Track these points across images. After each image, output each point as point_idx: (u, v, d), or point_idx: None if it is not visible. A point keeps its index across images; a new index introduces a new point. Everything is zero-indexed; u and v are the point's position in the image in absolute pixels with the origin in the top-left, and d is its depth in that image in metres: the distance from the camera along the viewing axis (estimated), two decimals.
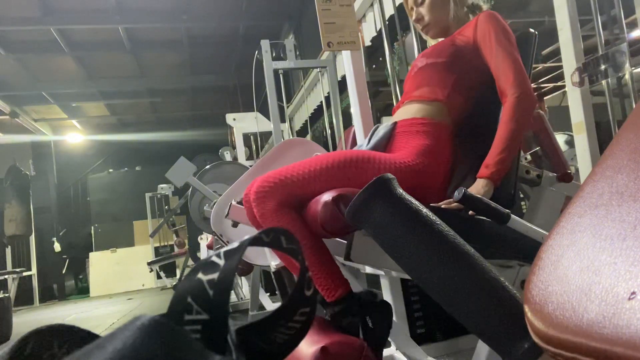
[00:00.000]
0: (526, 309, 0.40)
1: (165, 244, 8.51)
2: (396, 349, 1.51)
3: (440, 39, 1.40)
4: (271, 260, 1.85)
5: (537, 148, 1.51)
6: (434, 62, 1.28)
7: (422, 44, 2.12)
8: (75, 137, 9.49)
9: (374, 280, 2.05)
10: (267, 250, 1.77)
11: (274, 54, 3.28)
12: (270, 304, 3.10)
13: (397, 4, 2.56)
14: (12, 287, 6.27)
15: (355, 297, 1.03)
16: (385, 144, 1.23)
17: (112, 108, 8.77)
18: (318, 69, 3.78)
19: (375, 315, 1.02)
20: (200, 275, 0.38)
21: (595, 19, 1.71)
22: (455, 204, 1.00)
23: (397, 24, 2.44)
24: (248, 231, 1.35)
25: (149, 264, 6.87)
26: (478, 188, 1.07)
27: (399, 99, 2.24)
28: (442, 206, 1.03)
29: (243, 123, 5.00)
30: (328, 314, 1.06)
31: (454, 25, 1.35)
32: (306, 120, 4.39)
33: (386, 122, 1.31)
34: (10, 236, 6.87)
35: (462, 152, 1.25)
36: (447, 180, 1.21)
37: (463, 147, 1.26)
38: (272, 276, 2.79)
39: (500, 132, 1.11)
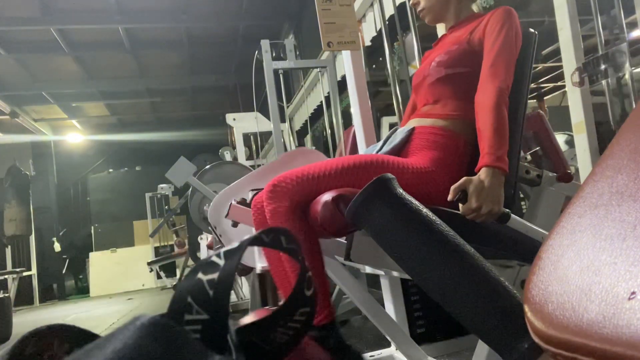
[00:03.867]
0: (526, 309, 0.40)
1: (165, 244, 8.50)
2: (396, 349, 1.51)
3: (444, 27, 1.37)
4: (258, 262, 1.82)
5: (537, 148, 1.51)
6: (454, 74, 1.23)
7: (422, 44, 2.12)
8: (75, 137, 9.48)
9: (374, 280, 2.05)
10: (256, 251, 1.74)
11: (274, 54, 3.28)
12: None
13: (397, 4, 2.56)
14: (12, 287, 6.27)
15: (337, 329, 1.01)
16: (400, 148, 1.22)
17: (112, 108, 8.77)
18: (318, 69, 3.78)
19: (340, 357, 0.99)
20: (200, 275, 0.38)
21: (595, 19, 1.71)
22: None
23: (397, 24, 2.44)
24: (248, 231, 1.35)
25: (149, 264, 6.87)
26: (481, 179, 1.00)
27: (399, 99, 2.25)
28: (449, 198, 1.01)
29: (243, 123, 5.00)
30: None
31: (453, 11, 1.33)
32: (306, 120, 4.39)
33: (403, 127, 1.28)
34: (10, 236, 6.87)
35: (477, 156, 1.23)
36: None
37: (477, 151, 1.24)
38: (256, 278, 2.78)
39: (485, 119, 1.06)
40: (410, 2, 1.42)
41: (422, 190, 1.07)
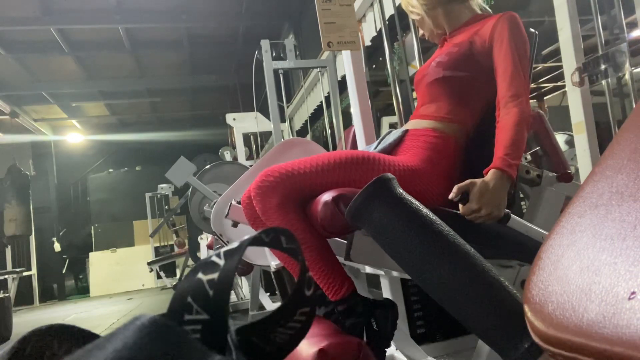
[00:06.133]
0: (526, 309, 0.40)
1: (165, 244, 8.51)
2: (396, 349, 1.51)
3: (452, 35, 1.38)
4: (271, 260, 1.85)
5: (537, 148, 1.51)
6: (452, 76, 1.23)
7: (422, 44, 2.12)
8: (75, 137, 9.48)
9: (374, 280, 2.05)
10: (267, 250, 1.77)
11: (274, 54, 3.28)
12: (270, 304, 3.10)
13: (397, 4, 2.56)
14: (12, 287, 6.27)
15: (360, 296, 1.02)
16: (392, 148, 1.22)
17: (112, 108, 8.77)
18: (318, 69, 3.78)
19: (380, 316, 1.01)
20: (200, 275, 0.38)
21: (595, 19, 1.71)
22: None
23: (397, 24, 2.44)
24: (248, 231, 1.35)
25: (149, 264, 6.87)
26: (486, 181, 1.00)
27: (399, 99, 2.25)
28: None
29: (243, 123, 5.00)
30: (323, 311, 1.05)
31: (444, 20, 1.33)
32: (306, 120, 4.39)
33: (398, 129, 1.29)
34: (10, 236, 6.87)
35: (468, 160, 1.24)
36: (450, 187, 1.19)
37: (470, 155, 1.24)
38: (272, 276, 2.79)
39: (505, 134, 1.07)
40: (420, 35, 1.47)
41: (412, 188, 1.07)
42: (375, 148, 1.27)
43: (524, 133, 1.07)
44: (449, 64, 1.24)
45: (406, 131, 1.24)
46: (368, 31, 3.19)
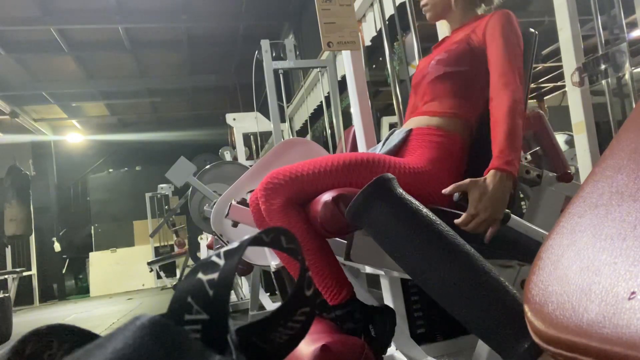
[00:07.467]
0: (526, 309, 0.40)
1: (165, 244, 8.51)
2: (396, 349, 1.51)
3: (445, 26, 1.37)
4: (271, 260, 1.85)
5: (537, 148, 1.51)
6: (453, 72, 1.23)
7: (422, 44, 2.12)
8: (75, 137, 9.48)
9: (374, 280, 2.05)
10: (267, 250, 1.77)
11: (274, 54, 3.28)
12: (270, 304, 3.10)
13: (397, 4, 2.56)
14: (12, 287, 6.28)
15: (359, 302, 1.02)
16: (398, 149, 1.22)
17: (112, 108, 8.77)
18: (318, 69, 3.78)
19: (379, 322, 1.00)
20: (200, 275, 0.38)
21: (595, 19, 1.71)
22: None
23: (397, 24, 2.44)
24: (248, 231, 1.35)
25: (149, 263, 6.88)
26: (486, 182, 0.98)
27: (399, 99, 2.25)
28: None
29: (243, 123, 5.00)
30: (327, 317, 1.05)
31: (457, 15, 1.33)
32: (306, 120, 4.39)
33: (401, 128, 1.29)
34: (10, 236, 6.87)
35: (473, 157, 1.24)
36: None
37: (475, 152, 1.24)
38: (272, 276, 2.79)
39: (498, 128, 1.05)
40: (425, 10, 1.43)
41: (420, 190, 1.07)
42: (381, 150, 1.27)
43: (517, 122, 1.04)
44: (449, 60, 1.25)
45: (410, 131, 1.24)
46: (368, 31, 3.19)
